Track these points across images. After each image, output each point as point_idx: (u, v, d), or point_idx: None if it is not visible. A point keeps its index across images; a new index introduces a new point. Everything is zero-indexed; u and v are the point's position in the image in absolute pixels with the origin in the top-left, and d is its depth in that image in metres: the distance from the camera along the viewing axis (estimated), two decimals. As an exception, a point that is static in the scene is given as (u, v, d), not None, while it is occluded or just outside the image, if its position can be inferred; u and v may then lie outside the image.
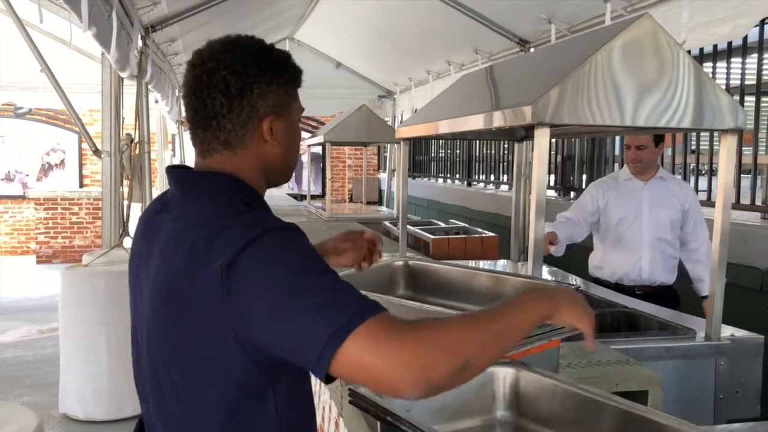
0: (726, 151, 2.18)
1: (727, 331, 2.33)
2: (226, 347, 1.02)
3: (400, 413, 1.13)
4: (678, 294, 3.15)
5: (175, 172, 1.20)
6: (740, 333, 2.36)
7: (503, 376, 1.34)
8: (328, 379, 0.95)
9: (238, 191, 1.15)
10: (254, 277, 0.98)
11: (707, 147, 4.60)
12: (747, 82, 4.08)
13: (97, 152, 4.55)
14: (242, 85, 1.12)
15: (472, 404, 1.34)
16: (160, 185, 8.50)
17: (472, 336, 0.95)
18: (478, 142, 7.65)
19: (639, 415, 1.07)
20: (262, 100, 1.14)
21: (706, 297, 2.86)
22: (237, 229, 1.03)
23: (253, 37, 1.20)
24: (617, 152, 5.35)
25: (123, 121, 4.84)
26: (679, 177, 4.15)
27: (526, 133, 3.31)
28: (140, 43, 4.82)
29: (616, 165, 5.31)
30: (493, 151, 7.61)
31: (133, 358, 1.25)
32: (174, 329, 1.07)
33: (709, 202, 3.99)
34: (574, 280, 3.40)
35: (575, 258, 4.96)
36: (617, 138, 5.19)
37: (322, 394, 2.11)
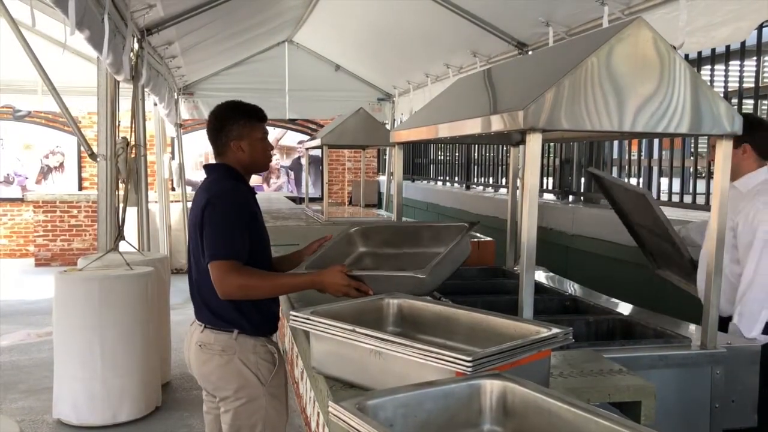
0: (722, 156, 2.15)
1: (723, 339, 2.30)
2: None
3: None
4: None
5: (207, 165, 2.53)
6: (736, 341, 2.33)
7: (490, 389, 1.31)
8: (209, 269, 2.29)
9: (230, 172, 2.45)
10: (207, 215, 2.30)
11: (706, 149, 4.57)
12: (745, 86, 4.05)
13: (92, 156, 4.52)
14: (221, 125, 2.45)
15: (459, 418, 1.31)
16: (158, 188, 8.45)
17: (263, 290, 2.31)
18: (477, 144, 7.61)
19: (625, 433, 1.04)
20: (231, 132, 2.43)
21: None
22: (213, 190, 2.36)
23: (233, 101, 2.50)
24: (615, 156, 5.30)
25: (119, 125, 4.82)
26: None
27: (522, 137, 3.28)
28: (136, 46, 4.80)
29: (614, 168, 5.27)
30: (492, 154, 7.58)
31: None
32: (197, 236, 2.33)
33: (707, 206, 3.96)
34: (572, 286, 3.36)
35: (572, 262, 4.94)
36: (615, 142, 5.16)
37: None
